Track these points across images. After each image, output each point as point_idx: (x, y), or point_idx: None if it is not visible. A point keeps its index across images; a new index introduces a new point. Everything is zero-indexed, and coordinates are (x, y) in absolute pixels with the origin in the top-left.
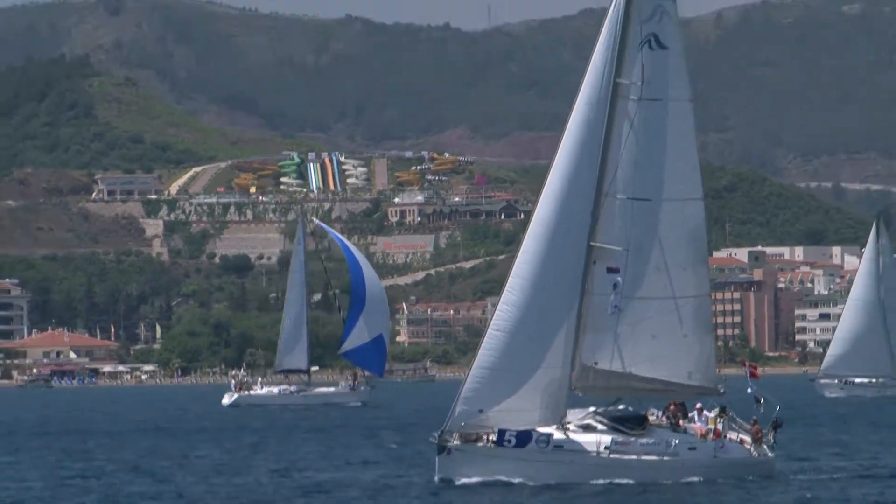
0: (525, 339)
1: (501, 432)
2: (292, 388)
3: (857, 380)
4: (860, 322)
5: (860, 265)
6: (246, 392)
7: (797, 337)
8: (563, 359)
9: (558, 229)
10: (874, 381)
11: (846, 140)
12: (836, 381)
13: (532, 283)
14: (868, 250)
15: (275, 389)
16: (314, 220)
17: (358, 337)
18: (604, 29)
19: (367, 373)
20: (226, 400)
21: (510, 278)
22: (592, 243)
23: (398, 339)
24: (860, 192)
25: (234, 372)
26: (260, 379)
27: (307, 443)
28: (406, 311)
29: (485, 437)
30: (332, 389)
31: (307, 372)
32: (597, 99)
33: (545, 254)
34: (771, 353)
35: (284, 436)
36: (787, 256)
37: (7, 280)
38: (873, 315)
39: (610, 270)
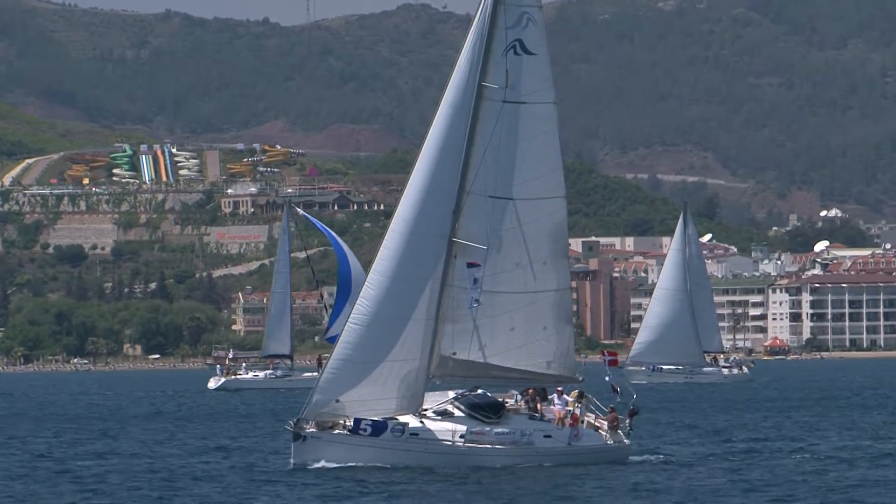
0: (382, 331)
1: (357, 421)
2: (278, 372)
3: (665, 367)
4: (668, 310)
5: (668, 254)
6: (232, 376)
7: (633, 325)
8: (422, 350)
9: (419, 225)
10: (681, 367)
11: (662, 133)
12: (643, 367)
13: (390, 276)
14: (675, 240)
15: (260, 374)
16: (299, 210)
17: (344, 322)
18: (470, 34)
19: None
20: (212, 384)
21: (370, 274)
22: (454, 239)
23: (234, 327)
24: (676, 183)
25: (217, 354)
26: (244, 364)
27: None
28: (242, 301)
29: (341, 424)
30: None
31: (290, 357)
32: (461, 102)
33: (404, 248)
34: (607, 341)
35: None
36: (617, 247)
37: None
38: (681, 303)
39: (470, 265)
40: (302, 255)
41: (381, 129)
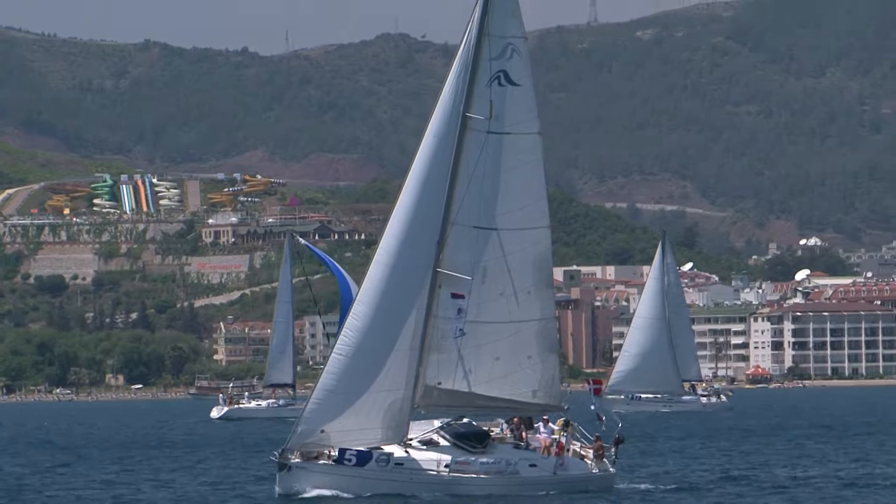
0: (366, 362)
1: (342, 451)
2: (280, 401)
3: (644, 395)
4: (646, 338)
5: (647, 283)
6: (235, 405)
7: (615, 354)
8: (406, 380)
9: (403, 256)
10: (660, 396)
11: (641, 162)
12: (622, 396)
13: (374, 307)
14: (654, 268)
15: (263, 403)
16: (300, 240)
17: None
18: (454, 65)
19: None
20: (215, 413)
21: (354, 305)
22: (438, 269)
23: (216, 356)
24: (655, 212)
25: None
26: (247, 393)
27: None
28: (224, 330)
29: (326, 454)
30: None
31: (293, 386)
32: (445, 132)
33: (388, 279)
34: (589, 370)
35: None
36: (598, 275)
37: None
38: (659, 331)
39: (455, 296)
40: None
41: (360, 158)
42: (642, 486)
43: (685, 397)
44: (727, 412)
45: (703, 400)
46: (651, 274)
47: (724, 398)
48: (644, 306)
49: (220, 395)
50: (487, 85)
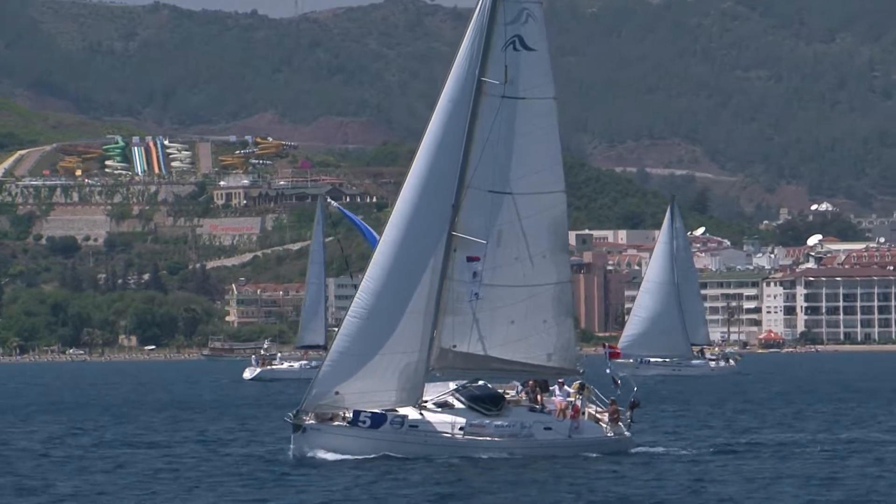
0: (381, 324)
1: (356, 413)
2: (312, 363)
3: (653, 359)
4: (655, 302)
5: (655, 247)
6: (268, 367)
7: (626, 318)
8: (421, 343)
9: (418, 219)
10: (669, 360)
11: (650, 126)
12: (630, 360)
13: (389, 270)
14: (663, 232)
15: (295, 364)
16: (332, 202)
17: None
18: (469, 29)
19: None
20: (247, 374)
21: (369, 267)
22: (453, 233)
23: (228, 318)
24: (664, 176)
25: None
26: (279, 355)
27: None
28: (235, 292)
29: (341, 415)
30: None
31: (325, 347)
32: (459, 97)
33: (403, 242)
34: (601, 334)
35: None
36: (610, 240)
37: None
38: (668, 296)
39: (470, 259)
40: (295, 247)
41: (368, 121)
42: (659, 450)
43: (694, 361)
44: (738, 376)
45: (712, 364)
46: (660, 238)
47: (732, 362)
48: (653, 270)
49: (253, 356)
50: (502, 49)
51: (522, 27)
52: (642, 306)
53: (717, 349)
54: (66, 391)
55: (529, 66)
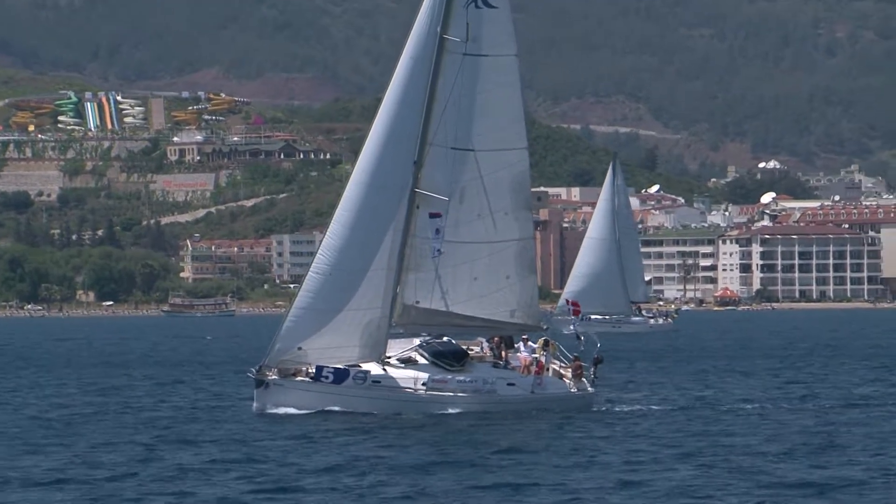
0: (343, 281)
1: (319, 368)
2: None
3: (594, 316)
4: (596, 259)
5: (597, 204)
6: None
7: None
8: (383, 299)
9: (380, 176)
10: (609, 317)
11: (595, 84)
12: (570, 317)
13: (351, 226)
14: (605, 190)
15: None
16: None
17: None
18: None
19: None
20: None
21: (331, 224)
22: (416, 189)
23: (182, 274)
24: (609, 134)
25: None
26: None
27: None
28: (190, 248)
29: (303, 371)
30: None
31: None
32: (421, 55)
33: (365, 199)
34: (557, 291)
35: None
36: (564, 197)
37: None
38: (609, 253)
39: (432, 216)
40: (249, 203)
41: (315, 77)
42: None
43: (634, 318)
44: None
45: (651, 322)
46: (601, 195)
47: (670, 320)
48: (594, 227)
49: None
50: (464, 6)
51: None
52: (583, 262)
53: (655, 307)
54: (107, 344)
55: (491, 24)
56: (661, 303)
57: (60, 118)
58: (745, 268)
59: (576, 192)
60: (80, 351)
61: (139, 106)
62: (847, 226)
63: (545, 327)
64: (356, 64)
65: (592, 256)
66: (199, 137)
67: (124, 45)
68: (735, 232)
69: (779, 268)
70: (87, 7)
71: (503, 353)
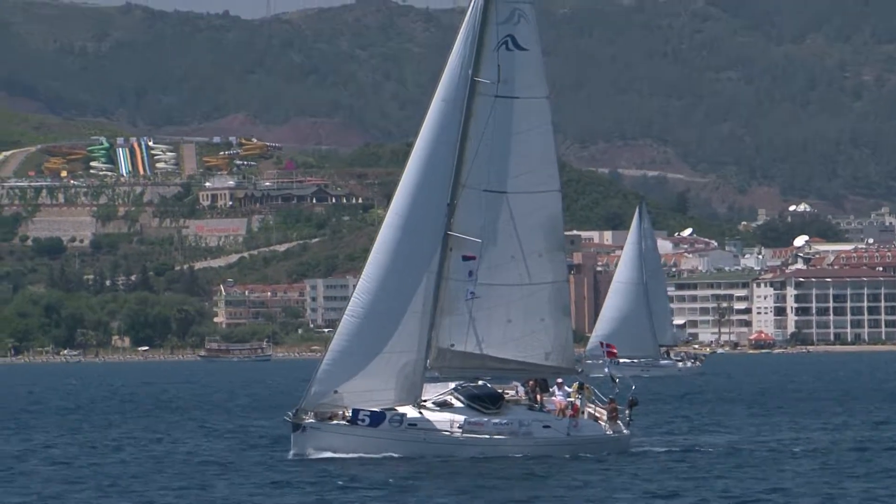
0: (379, 324)
1: (355, 412)
2: None
3: (622, 360)
4: (624, 303)
5: (624, 248)
6: None
7: None
8: (419, 342)
9: (414, 218)
10: (637, 361)
11: (622, 127)
12: (600, 360)
13: (386, 269)
14: (631, 233)
15: None
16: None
17: None
18: (462, 29)
19: None
20: None
21: (366, 267)
22: (449, 232)
23: (216, 319)
24: (636, 177)
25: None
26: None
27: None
28: (224, 293)
29: (340, 414)
30: None
31: None
32: (454, 96)
33: (399, 242)
34: (590, 335)
35: None
36: (596, 240)
37: None
38: (637, 296)
39: (466, 258)
40: (282, 248)
41: (341, 122)
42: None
43: (662, 362)
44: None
45: (680, 365)
46: (628, 239)
47: (698, 363)
48: (622, 271)
49: None
50: (495, 49)
51: (514, 27)
52: (611, 306)
53: (687, 350)
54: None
55: (522, 66)
56: (695, 346)
57: (92, 164)
58: (780, 311)
59: (608, 236)
60: (207, 395)
61: (171, 151)
62: (881, 268)
63: (580, 370)
64: (383, 109)
65: (620, 300)
66: (231, 182)
67: (151, 90)
68: (769, 275)
69: (813, 311)
70: (112, 52)
71: (538, 397)
